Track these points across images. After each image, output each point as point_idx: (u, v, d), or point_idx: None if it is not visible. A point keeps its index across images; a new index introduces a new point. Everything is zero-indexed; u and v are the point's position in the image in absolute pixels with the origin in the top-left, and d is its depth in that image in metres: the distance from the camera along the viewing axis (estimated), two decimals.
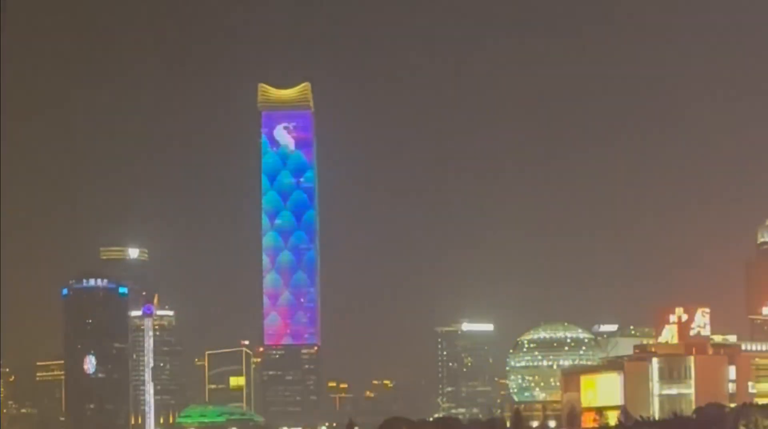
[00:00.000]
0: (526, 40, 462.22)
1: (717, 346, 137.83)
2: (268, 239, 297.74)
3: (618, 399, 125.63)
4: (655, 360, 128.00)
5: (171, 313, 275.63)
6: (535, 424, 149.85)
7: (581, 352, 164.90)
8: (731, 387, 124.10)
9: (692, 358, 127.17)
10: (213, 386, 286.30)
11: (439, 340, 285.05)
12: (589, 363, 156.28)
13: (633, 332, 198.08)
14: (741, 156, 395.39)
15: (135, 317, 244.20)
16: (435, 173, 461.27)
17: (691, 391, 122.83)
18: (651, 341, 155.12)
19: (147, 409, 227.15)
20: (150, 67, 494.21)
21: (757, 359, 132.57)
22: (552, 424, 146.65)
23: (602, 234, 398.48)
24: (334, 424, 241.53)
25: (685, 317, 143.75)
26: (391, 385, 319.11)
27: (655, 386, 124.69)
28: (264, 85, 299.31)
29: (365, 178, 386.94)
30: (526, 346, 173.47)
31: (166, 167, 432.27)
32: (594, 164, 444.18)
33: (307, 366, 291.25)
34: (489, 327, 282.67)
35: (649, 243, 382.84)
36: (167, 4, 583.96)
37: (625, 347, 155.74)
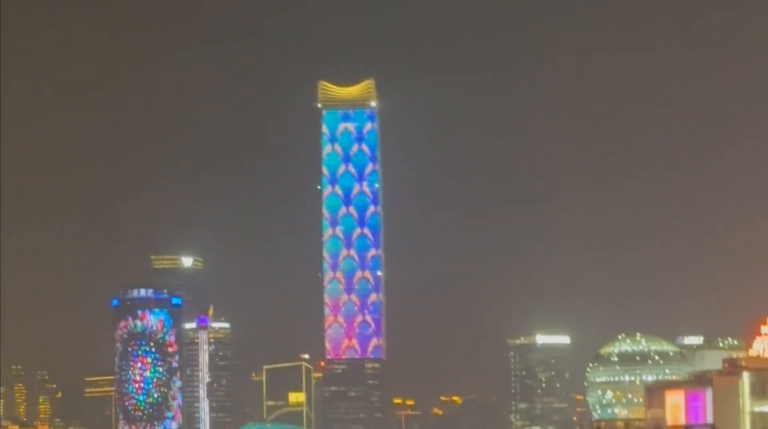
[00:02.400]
0: (614, 47, 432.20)
1: None
2: (329, 245, 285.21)
3: (706, 416, 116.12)
4: (746, 375, 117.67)
5: (227, 325, 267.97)
6: None
7: (666, 366, 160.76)
8: None
9: None
10: (271, 403, 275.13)
11: (512, 353, 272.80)
12: (674, 378, 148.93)
13: (721, 345, 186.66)
14: None
15: (189, 330, 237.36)
16: (508, 176, 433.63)
17: None
18: (741, 354, 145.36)
19: (202, 427, 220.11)
20: (205, 65, 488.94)
21: None
22: None
23: (684, 241, 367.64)
24: None
25: None
26: (461, 401, 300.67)
27: (747, 403, 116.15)
28: (325, 83, 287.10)
29: (432, 178, 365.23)
30: (607, 359, 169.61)
31: (221, 171, 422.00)
32: (676, 171, 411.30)
33: (371, 381, 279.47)
34: (565, 339, 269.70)
35: (737, 249, 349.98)
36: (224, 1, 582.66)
37: (712, 361, 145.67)
